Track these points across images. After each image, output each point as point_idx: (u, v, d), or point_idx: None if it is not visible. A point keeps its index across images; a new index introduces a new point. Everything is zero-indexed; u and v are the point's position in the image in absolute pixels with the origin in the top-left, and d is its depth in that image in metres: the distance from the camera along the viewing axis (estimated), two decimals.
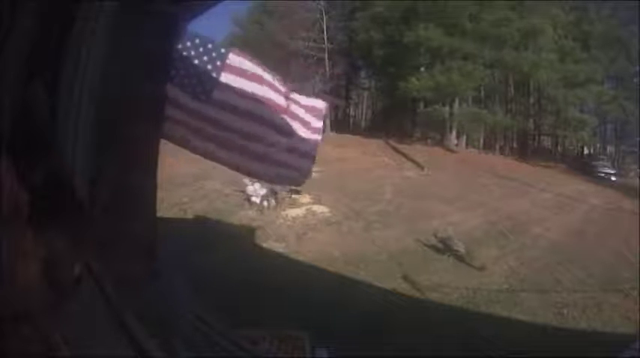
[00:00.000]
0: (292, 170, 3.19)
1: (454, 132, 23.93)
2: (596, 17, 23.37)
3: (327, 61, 26.98)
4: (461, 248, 7.64)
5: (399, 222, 9.89)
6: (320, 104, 3.38)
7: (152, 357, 1.03)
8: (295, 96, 3.19)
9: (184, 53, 2.72)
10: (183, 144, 2.78)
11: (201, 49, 2.81)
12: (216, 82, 2.86)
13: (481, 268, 7.28)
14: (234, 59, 2.94)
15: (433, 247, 8.07)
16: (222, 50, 2.91)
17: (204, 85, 2.81)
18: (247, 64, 2.99)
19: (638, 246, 8.15)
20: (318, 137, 3.26)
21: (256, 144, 2.98)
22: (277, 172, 3.14)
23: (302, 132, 3.13)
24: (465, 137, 24.60)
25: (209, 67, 2.83)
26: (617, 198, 15.56)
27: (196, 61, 2.79)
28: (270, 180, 3.32)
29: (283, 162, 3.12)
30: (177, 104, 2.64)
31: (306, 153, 3.19)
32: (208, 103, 2.82)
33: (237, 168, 3.06)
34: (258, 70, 3.01)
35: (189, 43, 2.74)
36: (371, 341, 4.28)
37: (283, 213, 9.77)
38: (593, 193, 16.31)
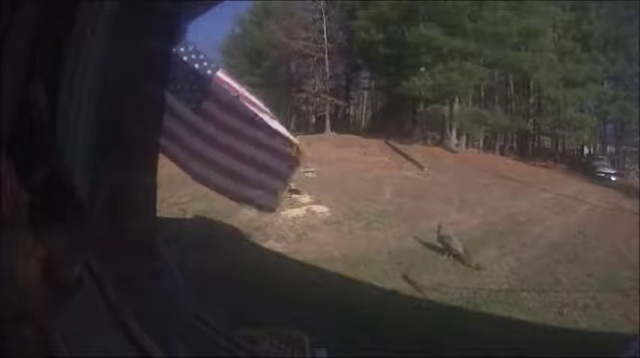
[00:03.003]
0: (265, 194, 3.17)
1: (454, 132, 23.93)
2: (595, 17, 23.38)
3: (327, 61, 26.99)
4: (459, 247, 7.65)
5: (399, 222, 9.89)
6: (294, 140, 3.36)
7: (152, 357, 1.03)
8: (274, 125, 3.19)
9: (180, 58, 2.70)
10: (170, 156, 2.73)
11: (194, 56, 2.80)
12: (208, 92, 2.84)
13: (478, 267, 7.29)
14: (223, 76, 2.95)
15: (433, 247, 8.07)
16: (213, 65, 2.90)
17: (196, 92, 2.79)
18: (235, 84, 3.00)
19: (638, 246, 8.15)
20: (290, 173, 3.27)
21: (238, 162, 2.97)
22: (250, 193, 3.12)
23: (276, 164, 3.13)
24: (465, 137, 24.62)
25: (201, 74, 2.82)
26: (617, 198, 15.56)
27: (190, 67, 2.78)
28: (241, 200, 3.27)
29: (259, 183, 3.10)
30: (170, 110, 2.61)
31: (275, 188, 3.19)
32: (197, 112, 2.80)
33: (208, 183, 3.02)
34: (245, 92, 3.03)
35: (183, 49, 2.73)
36: (371, 341, 4.28)
37: (283, 213, 9.75)
38: (593, 193, 16.31)
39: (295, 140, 3.30)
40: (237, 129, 2.94)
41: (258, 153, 3.03)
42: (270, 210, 3.41)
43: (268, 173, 3.09)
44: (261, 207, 3.32)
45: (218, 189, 3.00)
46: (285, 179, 3.24)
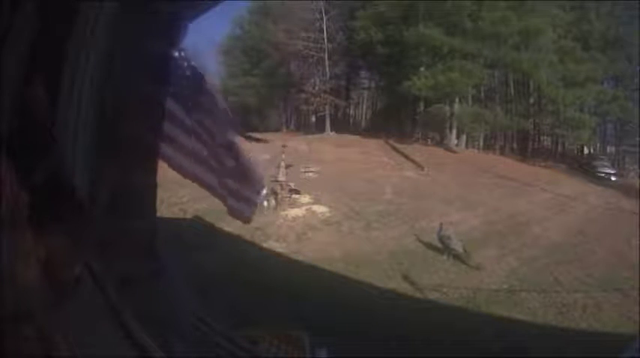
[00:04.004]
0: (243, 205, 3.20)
1: (454, 132, 23.94)
2: (595, 17, 23.38)
3: (327, 61, 26.99)
4: (459, 247, 7.65)
5: (399, 222, 9.90)
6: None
7: (152, 357, 1.03)
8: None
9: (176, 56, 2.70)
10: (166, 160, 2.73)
11: (185, 62, 2.80)
12: (200, 89, 2.84)
13: (477, 267, 7.30)
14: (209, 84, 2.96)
15: (433, 247, 8.08)
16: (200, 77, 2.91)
17: (190, 89, 2.78)
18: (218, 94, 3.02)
19: (638, 246, 8.15)
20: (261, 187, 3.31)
21: (225, 171, 2.98)
22: (234, 204, 3.14)
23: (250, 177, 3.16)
24: (464, 137, 24.62)
25: (192, 74, 2.82)
26: (617, 198, 15.57)
27: (186, 67, 2.77)
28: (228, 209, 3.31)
29: (240, 194, 3.12)
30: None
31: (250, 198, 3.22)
32: (190, 114, 2.79)
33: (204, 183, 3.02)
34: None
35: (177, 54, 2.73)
36: (371, 341, 4.28)
37: (283, 213, 9.77)
38: (593, 193, 16.31)
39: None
40: (221, 136, 2.96)
41: (238, 162, 3.05)
42: (247, 221, 3.43)
43: (245, 183, 3.12)
44: (238, 217, 3.34)
45: (206, 186, 3.01)
46: (258, 191, 3.27)
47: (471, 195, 13.20)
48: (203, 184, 2.96)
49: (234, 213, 3.22)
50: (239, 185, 3.09)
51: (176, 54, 2.65)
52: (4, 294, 0.66)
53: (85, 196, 1.16)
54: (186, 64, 2.75)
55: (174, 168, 2.75)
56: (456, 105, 23.51)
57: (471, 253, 7.64)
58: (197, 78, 2.82)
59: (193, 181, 2.94)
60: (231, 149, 3.00)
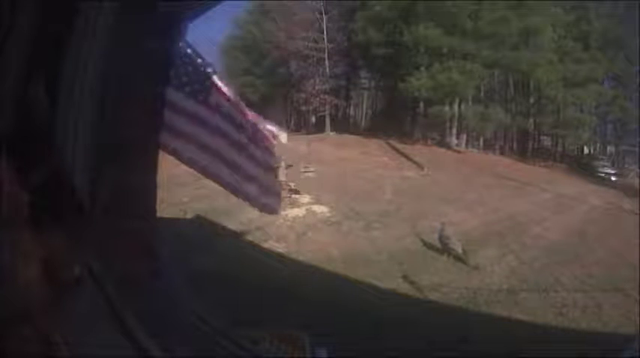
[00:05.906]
0: (272, 198, 3.21)
1: (454, 132, 23.94)
2: (595, 17, 23.38)
3: (327, 61, 26.97)
4: (458, 248, 7.65)
5: (399, 222, 9.89)
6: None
7: (152, 357, 1.03)
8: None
9: (183, 52, 2.71)
10: (176, 154, 2.71)
11: (194, 55, 2.82)
12: (213, 85, 2.85)
13: (476, 267, 7.30)
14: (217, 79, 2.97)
15: (433, 247, 8.08)
16: (210, 67, 2.92)
17: (202, 84, 2.80)
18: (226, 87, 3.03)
19: (638, 246, 8.15)
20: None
21: (247, 161, 2.99)
22: (263, 198, 3.15)
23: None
24: (464, 137, 24.62)
25: (205, 69, 2.84)
26: (617, 198, 15.57)
27: (195, 61, 2.79)
28: (255, 205, 3.28)
29: (267, 186, 3.13)
30: (173, 106, 2.58)
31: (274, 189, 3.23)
32: (204, 106, 2.80)
33: (227, 184, 3.01)
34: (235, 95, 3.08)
35: (185, 47, 2.75)
36: (370, 341, 4.28)
37: (283, 213, 9.76)
38: (593, 193, 16.31)
39: (277, 133, 3.37)
40: (237, 124, 2.97)
41: (257, 151, 3.06)
42: (273, 211, 3.44)
43: (264, 169, 3.13)
44: (263, 208, 3.33)
45: (225, 184, 3.00)
46: (274, 174, 3.29)
47: (471, 195, 13.20)
48: (222, 183, 2.97)
49: (259, 206, 3.24)
50: (261, 171, 3.10)
51: (184, 47, 2.67)
52: (4, 294, 0.66)
53: (85, 196, 1.16)
54: (194, 57, 2.76)
55: (189, 165, 2.77)
56: (458, 106, 23.52)
57: (470, 253, 7.64)
58: (206, 71, 2.84)
59: (213, 180, 2.94)
60: (247, 133, 3.01)
